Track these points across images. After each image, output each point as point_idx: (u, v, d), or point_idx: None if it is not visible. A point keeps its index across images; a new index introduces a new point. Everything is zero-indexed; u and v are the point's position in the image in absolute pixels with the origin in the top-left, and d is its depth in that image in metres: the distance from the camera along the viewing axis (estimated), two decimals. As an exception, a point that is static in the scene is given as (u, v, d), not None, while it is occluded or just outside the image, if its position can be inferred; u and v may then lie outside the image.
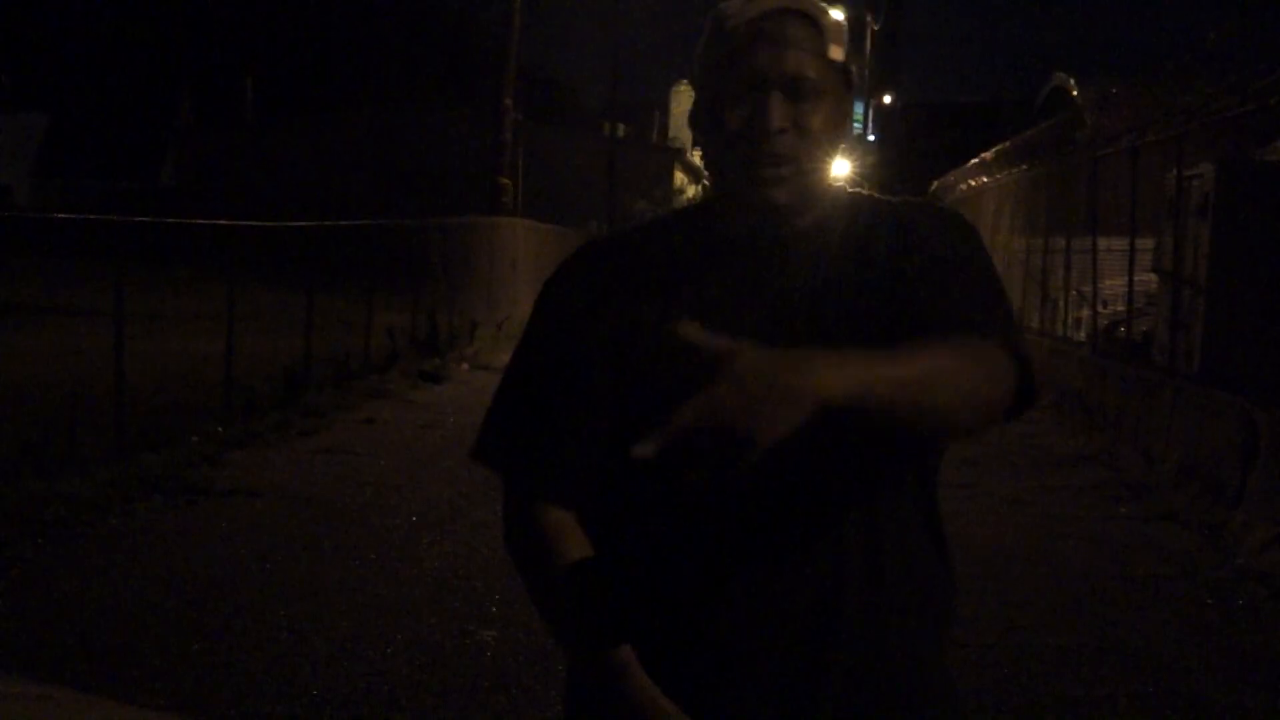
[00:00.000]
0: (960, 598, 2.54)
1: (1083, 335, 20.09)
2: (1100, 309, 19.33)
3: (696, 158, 62.00)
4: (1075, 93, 27.61)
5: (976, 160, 30.40)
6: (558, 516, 2.43)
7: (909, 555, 2.42)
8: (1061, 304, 21.69)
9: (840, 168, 50.19)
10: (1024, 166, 25.48)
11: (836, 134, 2.46)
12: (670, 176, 54.59)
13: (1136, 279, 17.93)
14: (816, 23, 2.43)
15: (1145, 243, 17.51)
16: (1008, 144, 27.09)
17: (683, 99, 62.94)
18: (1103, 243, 19.46)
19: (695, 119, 2.50)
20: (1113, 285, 19.16)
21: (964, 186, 32.61)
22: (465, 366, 21.52)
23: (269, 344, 16.68)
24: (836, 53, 2.44)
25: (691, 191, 56.75)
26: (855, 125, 60.80)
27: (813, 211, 2.46)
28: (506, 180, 29.97)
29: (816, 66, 2.40)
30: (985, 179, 29.55)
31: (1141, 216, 17.58)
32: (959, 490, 12.37)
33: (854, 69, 2.50)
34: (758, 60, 2.37)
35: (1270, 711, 7.01)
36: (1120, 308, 18.62)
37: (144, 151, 58.94)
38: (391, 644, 7.55)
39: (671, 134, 61.32)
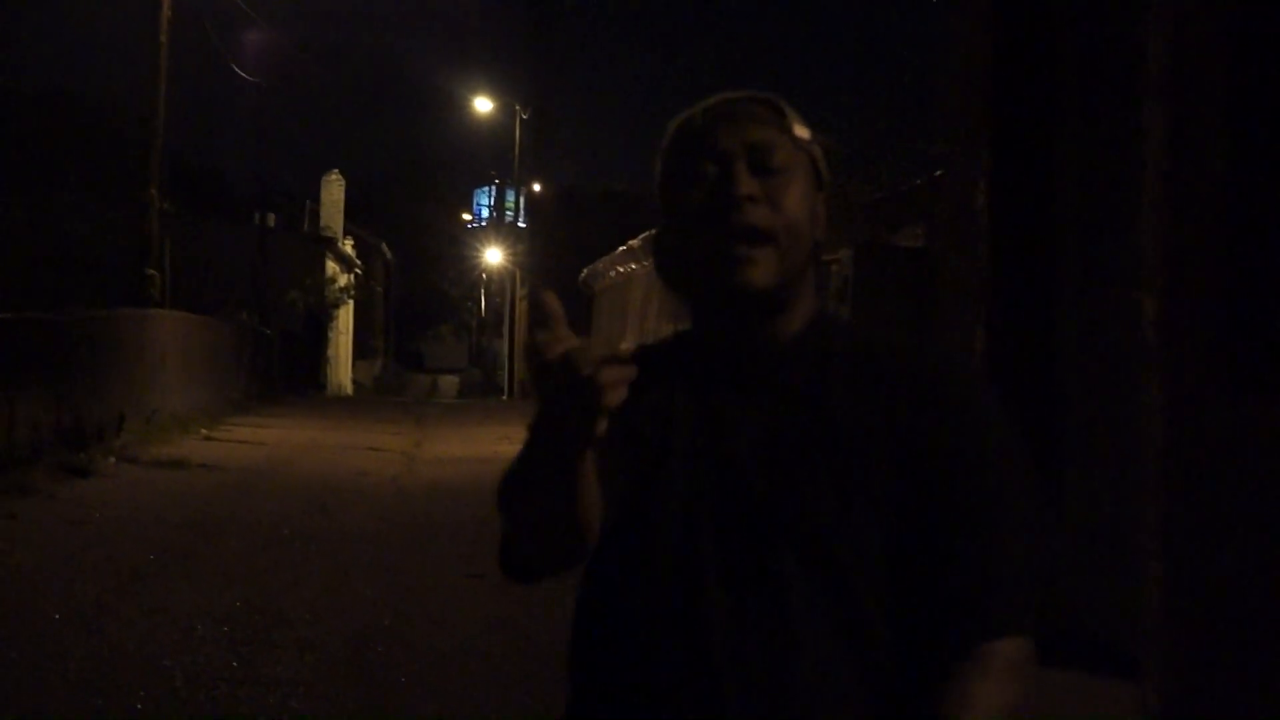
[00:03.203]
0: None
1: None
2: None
3: (349, 246, 61.75)
4: (720, 180, 28.26)
5: (624, 247, 30.86)
6: None
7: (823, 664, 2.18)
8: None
9: (491, 255, 49.90)
10: (671, 253, 25.87)
11: (812, 224, 2.29)
12: (322, 266, 54.31)
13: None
14: (776, 105, 2.29)
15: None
16: (655, 230, 27.52)
17: (333, 188, 62.77)
18: (747, 326, 19.90)
19: (661, 246, 2.40)
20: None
21: (613, 273, 33.08)
22: (113, 460, 21.06)
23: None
24: (802, 131, 2.29)
25: (343, 281, 56.50)
26: (508, 213, 60.78)
27: (799, 319, 2.32)
28: (154, 272, 29.48)
29: (782, 142, 2.25)
30: (634, 265, 30.00)
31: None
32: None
33: (821, 157, 2.34)
34: (718, 135, 2.24)
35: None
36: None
37: None
38: (36, 744, 7.40)
39: (323, 223, 61.02)
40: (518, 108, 57.84)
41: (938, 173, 12.72)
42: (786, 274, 2.23)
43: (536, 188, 54.41)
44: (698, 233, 2.24)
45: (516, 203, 68.29)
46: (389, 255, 77.04)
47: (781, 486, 2.20)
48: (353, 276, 60.16)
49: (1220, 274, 6.35)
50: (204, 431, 27.38)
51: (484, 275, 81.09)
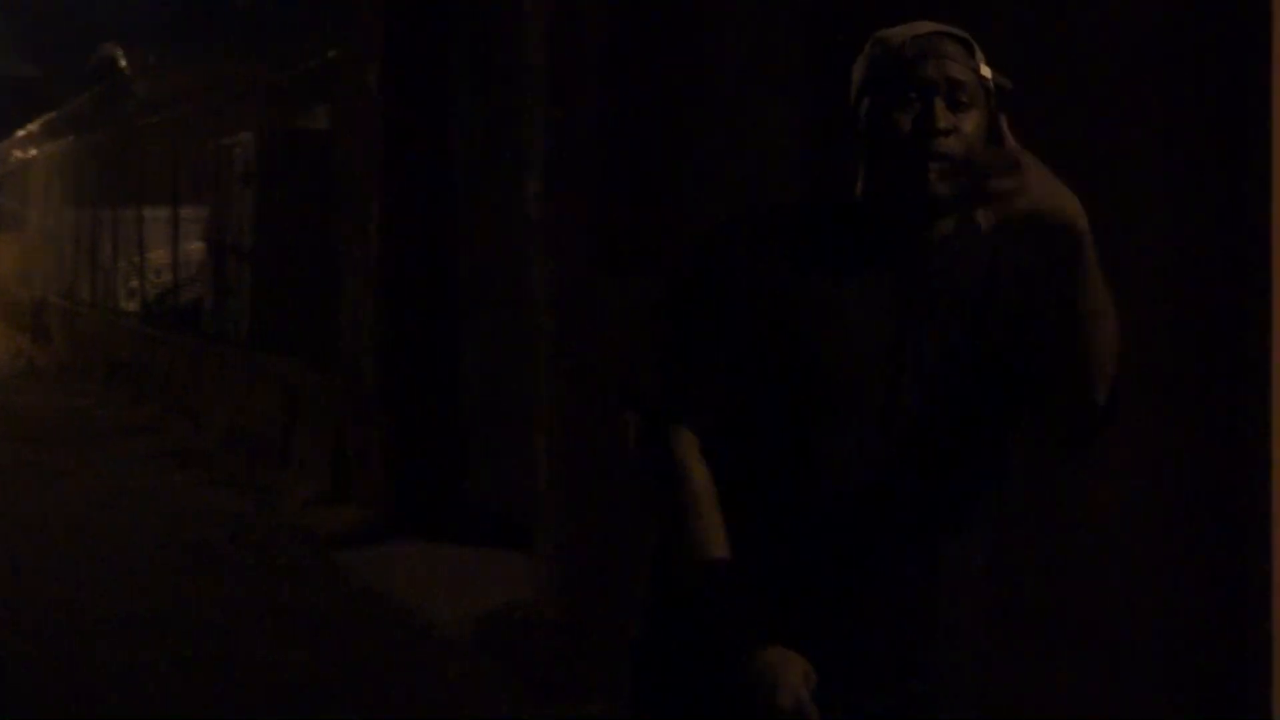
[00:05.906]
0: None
1: (134, 305, 20.00)
2: (152, 279, 19.35)
3: None
4: (123, 63, 27.39)
5: (24, 132, 29.78)
6: (689, 440, 2.76)
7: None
8: (113, 275, 21.49)
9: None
10: (72, 137, 25.14)
11: (982, 147, 2.76)
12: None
13: (189, 248, 18.06)
14: (968, 43, 2.81)
15: (197, 212, 17.62)
16: (55, 115, 26.67)
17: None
18: (151, 212, 19.48)
19: (858, 126, 2.85)
20: (163, 255, 19.21)
21: (14, 159, 31.88)
22: None
23: None
24: (986, 70, 2.80)
25: None
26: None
27: (953, 221, 2.84)
28: None
29: (971, 79, 2.77)
30: (35, 151, 28.99)
31: (189, 186, 17.71)
32: (11, 467, 12.27)
33: (1000, 87, 2.84)
34: (926, 70, 2.75)
35: (310, 663, 7.26)
36: (170, 277, 18.74)
37: None
38: None
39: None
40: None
41: (332, 53, 12.47)
42: (958, 190, 2.71)
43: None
44: (899, 150, 2.74)
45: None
46: None
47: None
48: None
49: (599, 158, 6.51)
50: None
51: None
